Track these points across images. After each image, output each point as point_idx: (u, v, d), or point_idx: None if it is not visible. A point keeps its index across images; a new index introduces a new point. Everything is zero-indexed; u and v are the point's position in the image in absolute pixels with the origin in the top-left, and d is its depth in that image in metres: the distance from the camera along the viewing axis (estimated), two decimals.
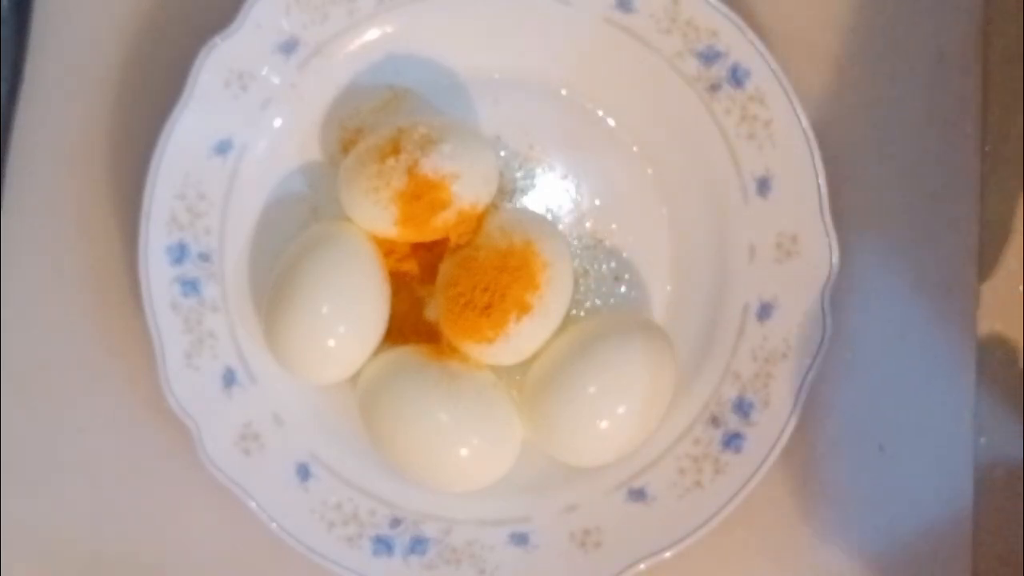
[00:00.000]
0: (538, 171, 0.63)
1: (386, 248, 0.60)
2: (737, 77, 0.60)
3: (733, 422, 0.60)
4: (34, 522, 0.62)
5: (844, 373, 0.62)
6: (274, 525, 0.59)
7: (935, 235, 0.63)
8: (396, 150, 0.58)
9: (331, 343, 0.58)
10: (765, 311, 0.60)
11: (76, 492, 0.62)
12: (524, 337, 0.58)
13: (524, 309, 0.58)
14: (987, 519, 0.62)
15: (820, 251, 0.59)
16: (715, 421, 0.61)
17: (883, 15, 0.63)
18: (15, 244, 0.63)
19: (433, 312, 0.61)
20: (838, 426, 0.62)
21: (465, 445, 0.58)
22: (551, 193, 0.63)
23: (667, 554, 0.59)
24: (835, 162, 0.61)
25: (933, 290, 0.63)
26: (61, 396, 0.62)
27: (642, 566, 0.59)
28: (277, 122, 0.61)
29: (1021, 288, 0.63)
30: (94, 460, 0.62)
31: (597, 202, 0.63)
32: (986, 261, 0.63)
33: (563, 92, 0.62)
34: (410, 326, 0.61)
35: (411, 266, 0.61)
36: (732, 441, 0.60)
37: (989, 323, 0.63)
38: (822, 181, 0.59)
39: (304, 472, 0.60)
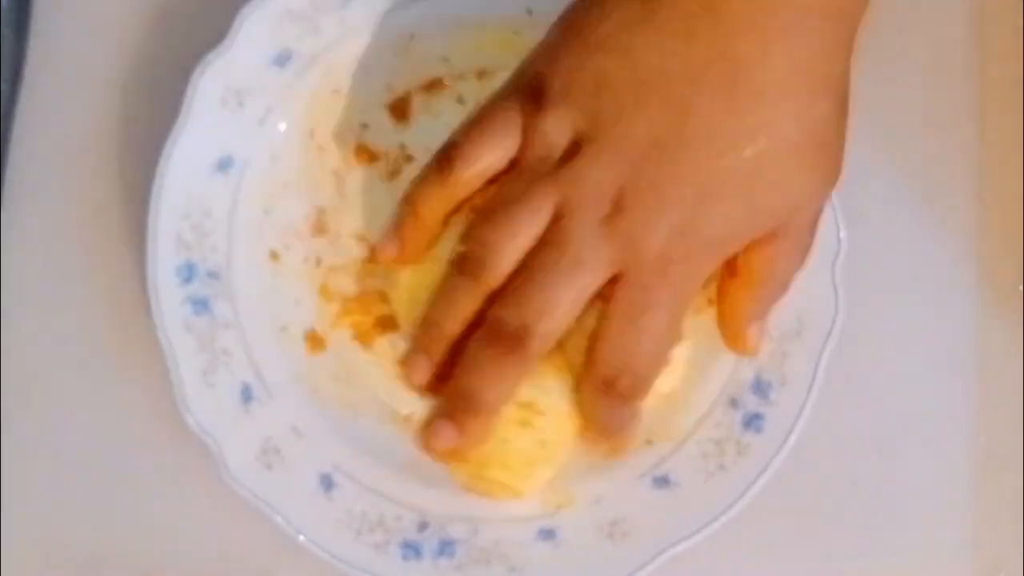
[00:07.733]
0: None
1: None
2: None
3: (752, 403, 0.60)
4: (39, 533, 0.62)
5: (843, 373, 0.61)
6: (301, 537, 0.59)
7: (935, 235, 0.63)
8: None
9: None
10: None
11: (88, 506, 0.62)
12: None
13: None
14: (987, 519, 0.62)
15: (827, 226, 0.59)
16: (734, 403, 0.61)
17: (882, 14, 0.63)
18: (17, 255, 0.62)
19: None
20: (838, 426, 0.62)
21: None
22: None
23: (695, 539, 0.59)
24: None
25: (933, 289, 0.63)
26: (73, 411, 0.62)
27: (677, 549, 0.59)
28: (277, 135, 0.61)
29: (1021, 288, 0.63)
30: (107, 472, 0.62)
31: None
32: (986, 261, 0.63)
33: None
34: None
35: None
36: (752, 422, 0.60)
37: (989, 323, 0.63)
38: None
39: (328, 482, 0.60)
